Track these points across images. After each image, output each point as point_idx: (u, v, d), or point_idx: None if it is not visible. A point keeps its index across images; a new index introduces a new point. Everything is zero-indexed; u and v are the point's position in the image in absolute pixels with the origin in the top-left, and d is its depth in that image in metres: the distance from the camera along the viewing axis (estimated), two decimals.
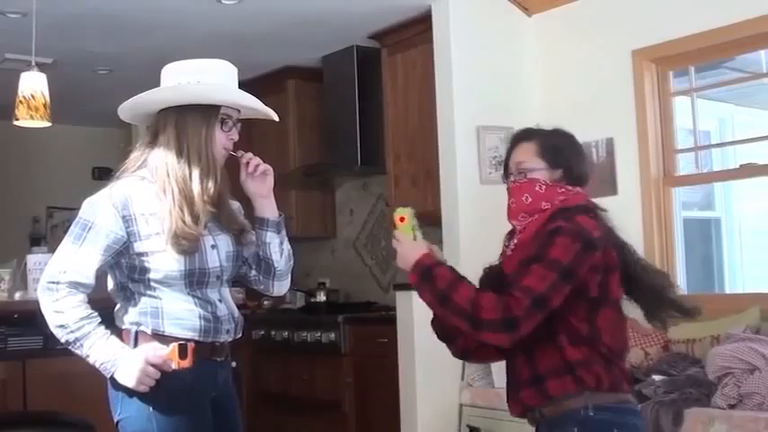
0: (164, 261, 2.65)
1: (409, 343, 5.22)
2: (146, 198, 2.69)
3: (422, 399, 5.21)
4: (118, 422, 2.71)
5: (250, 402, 6.73)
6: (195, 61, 2.79)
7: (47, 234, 8.98)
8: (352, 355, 6.03)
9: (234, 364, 2.88)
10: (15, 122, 5.05)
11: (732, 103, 6.69)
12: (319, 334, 6.21)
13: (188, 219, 2.65)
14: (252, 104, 2.85)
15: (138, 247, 2.65)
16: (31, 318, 4.23)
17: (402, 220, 2.74)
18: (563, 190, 2.72)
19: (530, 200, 2.71)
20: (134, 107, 2.83)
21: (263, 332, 6.68)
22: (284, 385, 6.56)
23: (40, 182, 8.84)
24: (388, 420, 5.48)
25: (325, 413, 6.14)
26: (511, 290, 2.51)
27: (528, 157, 2.76)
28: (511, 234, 2.80)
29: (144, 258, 2.65)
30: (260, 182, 2.85)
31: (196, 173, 2.70)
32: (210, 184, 2.72)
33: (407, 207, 2.78)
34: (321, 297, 6.90)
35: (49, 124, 5.10)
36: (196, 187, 2.69)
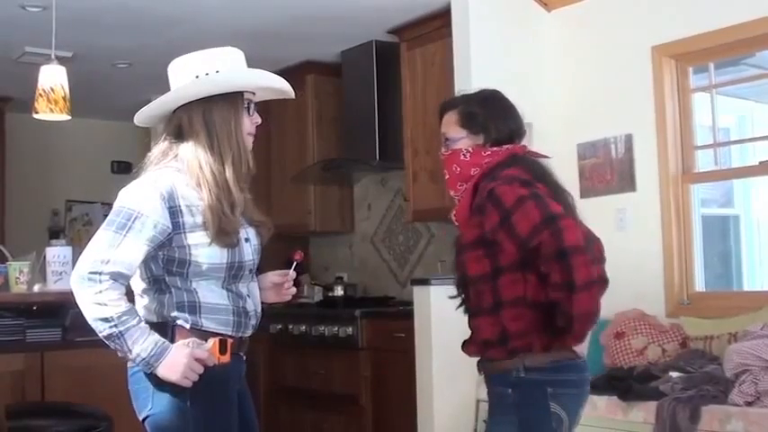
0: (207, 254, 2.60)
1: (426, 338, 5.22)
2: (187, 190, 2.63)
3: (439, 393, 5.21)
4: (147, 417, 2.63)
5: (267, 396, 6.75)
6: (201, 53, 2.73)
7: (66, 227, 9.02)
8: (370, 349, 6.03)
9: (244, 357, 2.85)
10: (35, 116, 5.07)
11: (752, 99, 6.65)
12: (336, 328, 6.21)
13: (227, 209, 2.62)
14: (279, 85, 2.84)
15: (182, 239, 2.59)
16: (49, 310, 4.28)
17: None
18: (488, 153, 2.81)
19: (458, 169, 2.83)
20: (153, 110, 2.77)
21: (280, 326, 6.68)
22: (301, 379, 6.56)
23: (59, 175, 8.89)
24: (405, 415, 5.48)
25: (342, 407, 6.15)
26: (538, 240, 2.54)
27: (450, 127, 2.88)
28: None
29: (187, 251, 2.59)
30: (278, 297, 2.94)
31: (229, 160, 2.66)
32: (244, 170, 2.71)
33: None
34: (339, 291, 6.90)
35: (69, 118, 5.12)
36: (230, 175, 2.66)
